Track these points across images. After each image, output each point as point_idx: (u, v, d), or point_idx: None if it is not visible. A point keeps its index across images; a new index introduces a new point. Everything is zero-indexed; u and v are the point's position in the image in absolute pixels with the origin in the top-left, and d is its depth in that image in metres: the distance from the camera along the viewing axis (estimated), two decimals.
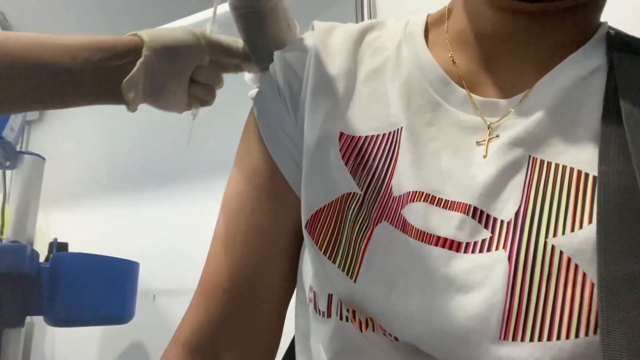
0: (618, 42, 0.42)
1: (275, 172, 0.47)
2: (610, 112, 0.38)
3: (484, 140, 0.41)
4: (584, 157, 0.37)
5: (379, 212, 0.40)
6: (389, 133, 0.43)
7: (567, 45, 0.43)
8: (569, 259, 0.34)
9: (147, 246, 1.54)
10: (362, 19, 1.34)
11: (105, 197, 1.71)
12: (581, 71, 0.41)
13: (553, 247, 0.34)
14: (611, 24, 0.45)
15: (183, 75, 0.53)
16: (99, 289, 1.25)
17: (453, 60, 0.45)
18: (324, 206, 0.42)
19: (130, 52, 0.49)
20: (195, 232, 1.47)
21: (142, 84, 0.50)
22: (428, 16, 0.50)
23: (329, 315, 0.41)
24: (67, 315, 1.21)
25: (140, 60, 0.49)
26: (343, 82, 0.46)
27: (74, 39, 0.48)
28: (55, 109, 0.53)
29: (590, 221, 0.35)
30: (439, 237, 0.37)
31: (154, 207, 1.61)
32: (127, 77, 0.48)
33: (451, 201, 0.38)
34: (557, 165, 0.38)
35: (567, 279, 0.33)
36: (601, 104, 0.39)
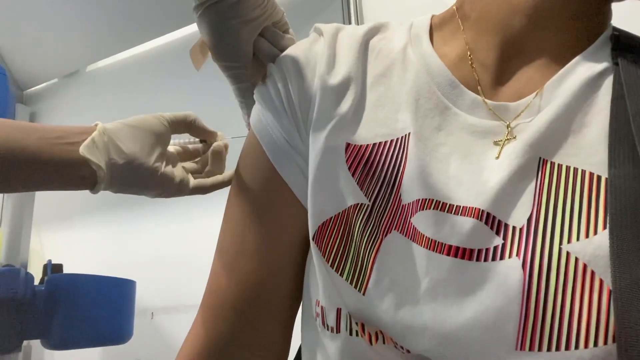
0: (623, 43, 0.42)
1: (281, 184, 0.46)
2: (618, 114, 0.37)
3: (501, 141, 0.40)
4: (595, 159, 0.36)
5: (389, 222, 0.40)
6: (397, 139, 0.43)
7: (580, 40, 0.42)
8: (585, 266, 0.33)
9: (143, 264, 1.52)
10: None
11: (98, 215, 1.69)
12: (589, 72, 0.40)
13: (568, 254, 0.33)
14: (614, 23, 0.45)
15: (155, 151, 0.51)
16: (95, 309, 1.23)
17: (470, 55, 0.45)
18: (332, 217, 0.41)
19: (87, 130, 0.48)
20: (191, 247, 1.45)
21: (106, 154, 0.48)
22: (432, 18, 0.50)
23: (338, 331, 0.40)
24: (64, 338, 1.19)
25: (96, 130, 0.48)
26: (351, 90, 0.45)
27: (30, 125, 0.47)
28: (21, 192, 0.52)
29: (605, 226, 0.34)
30: (450, 246, 0.36)
31: (149, 224, 1.59)
32: (85, 141, 0.47)
33: (462, 206, 0.37)
34: (568, 168, 0.37)
35: (583, 287, 0.33)
36: (609, 105, 0.38)
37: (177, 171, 0.54)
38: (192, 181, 0.56)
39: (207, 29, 0.49)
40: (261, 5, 0.49)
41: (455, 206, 0.38)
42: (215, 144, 0.57)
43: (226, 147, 0.58)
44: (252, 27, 0.49)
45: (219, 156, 0.57)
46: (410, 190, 0.40)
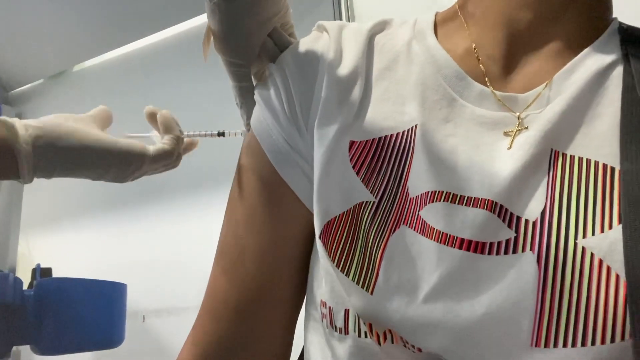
0: (631, 36, 0.42)
1: (283, 185, 0.45)
2: (629, 106, 0.37)
3: (512, 131, 0.39)
4: (607, 150, 0.36)
5: (397, 217, 0.39)
6: (403, 132, 0.42)
7: (587, 32, 0.42)
8: (601, 261, 0.33)
9: (134, 266, 1.50)
10: None
11: (87, 218, 1.67)
12: (598, 64, 0.40)
13: (584, 249, 0.33)
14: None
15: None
16: (86, 313, 1.21)
17: (475, 49, 0.44)
18: (337, 216, 0.40)
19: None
20: (182, 249, 1.44)
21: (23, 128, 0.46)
22: (436, 15, 0.50)
23: (347, 332, 0.39)
24: (54, 343, 1.17)
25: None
26: (357, 86, 0.44)
27: None
28: None
29: (620, 221, 0.33)
30: (462, 239, 0.35)
31: (138, 225, 1.57)
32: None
33: (474, 198, 0.37)
34: (580, 159, 0.36)
35: (599, 282, 0.32)
36: (619, 97, 0.38)
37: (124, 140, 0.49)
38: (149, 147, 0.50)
39: (219, 19, 0.46)
40: (277, 3, 0.47)
41: (466, 197, 0.37)
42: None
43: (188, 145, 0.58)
44: (265, 27, 0.47)
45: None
46: (418, 183, 0.39)
